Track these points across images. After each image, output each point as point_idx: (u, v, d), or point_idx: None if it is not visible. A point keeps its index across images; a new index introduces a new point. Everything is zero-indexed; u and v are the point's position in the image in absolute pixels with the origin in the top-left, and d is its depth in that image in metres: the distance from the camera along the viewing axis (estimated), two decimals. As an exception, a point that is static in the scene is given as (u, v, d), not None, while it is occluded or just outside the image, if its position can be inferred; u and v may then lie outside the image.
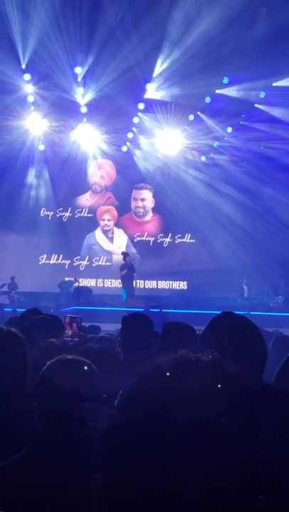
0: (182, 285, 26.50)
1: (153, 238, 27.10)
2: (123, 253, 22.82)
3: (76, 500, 1.84)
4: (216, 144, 24.99)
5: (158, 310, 17.62)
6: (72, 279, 24.16)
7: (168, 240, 27.04)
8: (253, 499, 1.04)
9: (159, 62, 20.87)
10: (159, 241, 27.10)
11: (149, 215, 27.31)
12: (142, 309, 16.08)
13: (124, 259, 22.03)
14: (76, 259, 26.61)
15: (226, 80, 21.50)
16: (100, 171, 26.70)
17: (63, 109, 22.92)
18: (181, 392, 1.05)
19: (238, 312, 2.95)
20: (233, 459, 1.02)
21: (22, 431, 2.56)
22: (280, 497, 1.51)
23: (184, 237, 26.92)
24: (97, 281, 26.16)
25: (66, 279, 24.47)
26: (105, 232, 27.09)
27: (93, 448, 1.62)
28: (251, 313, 16.20)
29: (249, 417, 1.07)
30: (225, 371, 1.11)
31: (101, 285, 26.00)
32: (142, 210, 27.23)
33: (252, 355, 2.54)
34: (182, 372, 1.09)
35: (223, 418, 1.03)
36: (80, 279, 24.70)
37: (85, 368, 2.52)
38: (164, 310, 18.13)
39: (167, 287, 26.45)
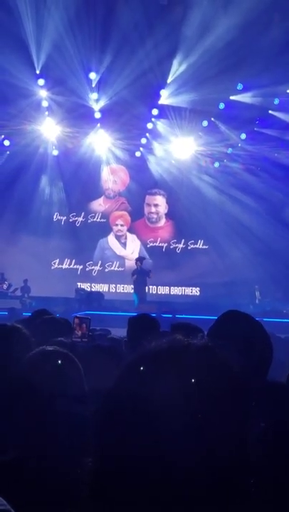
0: (195, 291, 26.46)
1: (166, 244, 27.09)
2: (138, 258, 22.83)
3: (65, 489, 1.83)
4: (229, 150, 24.97)
5: (170, 315, 17.59)
6: (88, 289, 24.26)
7: (181, 246, 27.01)
8: (244, 480, 1.03)
9: (173, 68, 20.90)
10: (172, 247, 27.08)
11: (163, 221, 27.31)
12: (153, 314, 16.06)
13: (136, 263, 22.05)
14: (89, 265, 26.63)
15: (240, 87, 21.48)
16: (113, 177, 26.74)
17: (77, 114, 22.97)
18: (171, 373, 1.05)
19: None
20: (223, 440, 1.01)
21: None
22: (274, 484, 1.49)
23: (196, 244, 26.89)
24: (109, 287, 26.16)
25: (82, 286, 24.55)
26: (118, 238, 27.11)
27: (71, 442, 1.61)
28: (264, 319, 16.15)
29: (238, 398, 1.07)
30: (214, 354, 1.11)
31: (113, 290, 26.00)
32: (155, 216, 27.23)
33: (255, 352, 2.52)
34: (173, 354, 1.09)
35: (212, 399, 1.03)
36: (93, 284, 24.73)
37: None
38: (176, 315, 18.12)
39: (180, 293, 26.42)
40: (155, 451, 1.00)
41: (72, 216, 26.71)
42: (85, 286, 25.07)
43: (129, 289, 23.89)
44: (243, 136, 23.67)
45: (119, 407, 1.07)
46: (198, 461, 0.99)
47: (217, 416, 1.03)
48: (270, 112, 22.35)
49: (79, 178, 25.80)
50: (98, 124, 23.76)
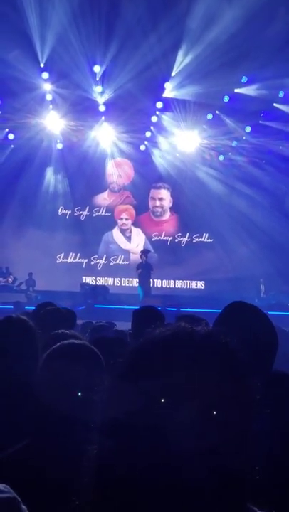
0: (200, 285, 26.46)
1: (171, 238, 27.10)
2: (143, 251, 22.84)
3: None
4: (234, 143, 24.94)
5: (175, 309, 17.61)
6: (93, 283, 24.28)
7: (186, 239, 27.01)
8: (249, 470, 1.02)
9: (177, 60, 20.85)
10: (176, 240, 27.08)
11: (167, 215, 27.30)
12: (158, 308, 16.07)
13: (141, 257, 22.08)
14: (93, 258, 26.66)
15: (244, 79, 21.44)
16: (117, 170, 26.73)
17: (81, 107, 22.95)
18: (175, 360, 1.04)
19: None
20: (226, 428, 1.00)
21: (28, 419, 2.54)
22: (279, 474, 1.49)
23: (201, 237, 26.88)
24: (114, 281, 26.17)
25: (87, 280, 24.59)
26: (123, 232, 27.12)
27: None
28: (269, 312, 16.13)
29: (243, 385, 1.06)
30: (218, 340, 1.10)
31: (118, 284, 26.02)
32: (159, 210, 27.23)
33: (261, 343, 2.51)
34: (177, 340, 1.08)
35: (216, 385, 1.02)
36: (98, 278, 24.75)
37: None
38: (181, 309, 18.13)
39: (185, 287, 26.43)
40: (160, 448, 0.99)
41: (77, 210, 26.73)
42: (90, 280, 25.13)
43: (134, 282, 23.91)
44: (248, 129, 23.62)
45: (120, 403, 1.06)
46: (204, 455, 0.99)
47: (222, 402, 1.02)
48: (274, 104, 22.31)
49: (83, 172, 25.80)
50: (102, 118, 23.75)
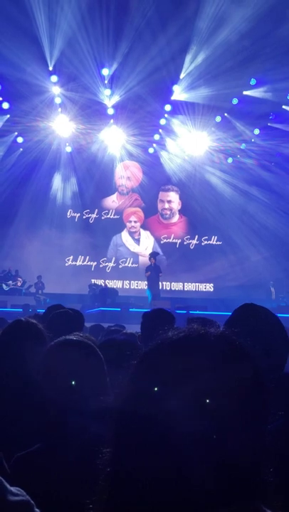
0: (208, 287, 26.44)
1: (179, 240, 27.10)
2: (152, 253, 22.84)
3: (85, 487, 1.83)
4: (243, 145, 24.90)
5: (184, 311, 17.60)
6: (102, 284, 24.27)
7: (194, 241, 27.01)
8: (261, 471, 1.02)
9: (186, 63, 20.86)
10: (185, 243, 27.08)
11: (176, 217, 27.32)
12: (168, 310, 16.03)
13: (149, 260, 22.07)
14: (102, 261, 26.70)
15: (253, 82, 21.41)
16: (126, 173, 26.78)
17: (90, 110, 23.03)
18: (188, 362, 1.05)
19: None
20: (240, 429, 1.00)
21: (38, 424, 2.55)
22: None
23: (210, 239, 26.87)
24: (123, 283, 26.21)
25: (96, 282, 24.61)
26: (132, 234, 27.15)
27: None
28: (279, 315, 16.08)
29: (256, 386, 1.06)
30: (231, 342, 1.10)
31: (127, 287, 26.05)
32: (168, 212, 27.25)
33: (272, 345, 2.51)
34: (190, 342, 1.08)
35: (230, 386, 1.02)
36: (107, 281, 24.75)
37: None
38: (190, 311, 18.11)
39: (193, 289, 26.42)
40: (172, 453, 1.00)
41: (86, 213, 26.79)
42: (99, 282, 25.09)
43: (143, 285, 23.90)
44: (257, 131, 23.60)
45: (136, 405, 1.06)
46: (216, 455, 0.99)
47: (237, 403, 1.02)
48: (283, 106, 22.28)
49: (92, 175, 25.86)
50: (111, 121, 23.79)
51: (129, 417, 1.07)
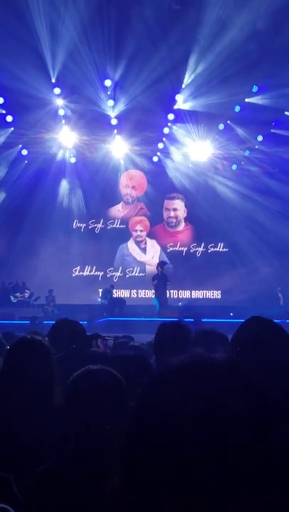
0: (216, 294, 26.41)
1: (186, 248, 27.08)
2: (159, 263, 22.83)
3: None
4: (247, 152, 24.92)
5: (192, 320, 17.58)
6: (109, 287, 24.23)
7: (201, 249, 27.00)
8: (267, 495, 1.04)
9: (187, 72, 20.89)
10: (192, 251, 27.07)
11: (182, 225, 27.31)
12: (175, 319, 16.01)
13: (156, 268, 22.07)
14: (109, 271, 26.68)
15: (255, 89, 21.43)
16: (131, 182, 26.79)
17: (94, 121, 23.08)
18: (192, 390, 1.06)
19: (274, 320, 2.92)
20: (247, 460, 1.02)
21: (49, 441, 2.57)
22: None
23: (217, 247, 26.86)
24: (130, 292, 26.18)
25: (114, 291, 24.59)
26: (138, 243, 27.13)
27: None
28: (287, 321, 16.04)
29: (262, 416, 1.07)
30: (237, 369, 1.11)
31: (135, 296, 26.01)
32: (174, 220, 27.25)
33: (279, 358, 2.52)
34: (195, 370, 1.09)
35: (235, 416, 1.03)
36: (114, 291, 24.69)
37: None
38: (200, 320, 18.08)
39: (201, 297, 26.38)
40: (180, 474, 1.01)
41: (92, 223, 26.80)
42: (115, 293, 24.90)
43: (150, 294, 23.83)
44: (260, 138, 23.64)
45: (144, 427, 1.08)
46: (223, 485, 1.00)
47: (242, 435, 1.03)
48: (286, 113, 22.29)
49: (97, 185, 25.89)
50: (115, 131, 23.83)
51: (135, 445, 1.09)
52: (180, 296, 25.90)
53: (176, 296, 25.39)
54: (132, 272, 26.83)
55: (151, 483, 1.02)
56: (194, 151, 24.78)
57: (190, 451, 1.01)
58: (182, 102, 22.20)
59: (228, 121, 23.17)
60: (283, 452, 1.25)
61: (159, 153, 25.72)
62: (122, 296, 24.71)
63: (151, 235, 27.21)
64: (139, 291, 26.13)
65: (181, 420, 1.03)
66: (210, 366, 1.10)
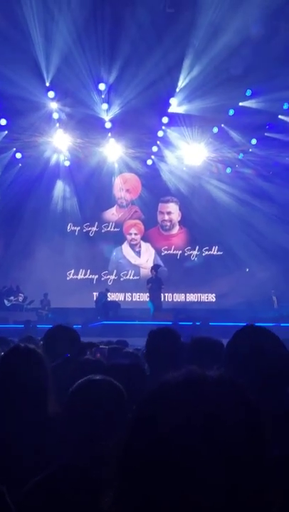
0: (211, 297, 26.41)
1: (180, 251, 27.09)
2: (154, 266, 22.82)
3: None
4: (241, 155, 24.96)
5: (189, 323, 17.63)
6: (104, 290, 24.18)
7: (195, 252, 27.01)
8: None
9: (182, 76, 20.89)
10: (186, 254, 27.08)
11: (176, 228, 27.32)
12: (170, 322, 16.03)
13: (151, 272, 22.06)
14: (104, 274, 26.65)
15: (249, 92, 21.48)
16: (125, 185, 26.80)
17: (88, 125, 23.06)
18: (187, 407, 1.05)
19: (267, 324, 2.94)
20: (241, 475, 1.02)
21: (44, 451, 2.56)
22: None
23: (211, 250, 26.87)
24: (125, 296, 26.17)
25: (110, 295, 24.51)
26: (132, 247, 27.13)
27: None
28: (281, 324, 16.08)
29: (256, 434, 1.07)
30: (231, 386, 1.11)
31: (129, 299, 25.99)
32: (168, 224, 27.26)
33: (273, 367, 2.52)
34: (189, 388, 1.09)
35: (227, 435, 1.03)
36: (109, 294, 24.67)
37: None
38: (191, 323, 18.12)
39: (196, 300, 26.38)
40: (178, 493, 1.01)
41: (86, 226, 26.77)
42: (110, 296, 24.88)
43: (144, 297, 23.79)
44: (254, 141, 23.68)
45: (141, 443, 1.08)
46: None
47: (236, 451, 1.03)
48: (279, 116, 22.36)
49: (91, 188, 25.89)
50: (109, 134, 23.83)
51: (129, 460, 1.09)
52: (174, 300, 25.90)
53: (170, 300, 25.39)
54: (127, 275, 26.82)
55: (149, 497, 1.02)
56: (188, 154, 24.79)
57: (185, 466, 1.01)
58: (176, 105, 22.21)
59: (222, 125, 23.19)
60: (279, 465, 1.25)
61: (153, 157, 25.73)
62: (117, 300, 24.68)
63: (145, 238, 27.21)
64: (134, 294, 26.11)
65: (178, 436, 1.03)
66: (204, 384, 1.10)
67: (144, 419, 1.10)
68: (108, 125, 22.94)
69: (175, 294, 26.04)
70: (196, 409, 1.05)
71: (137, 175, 26.68)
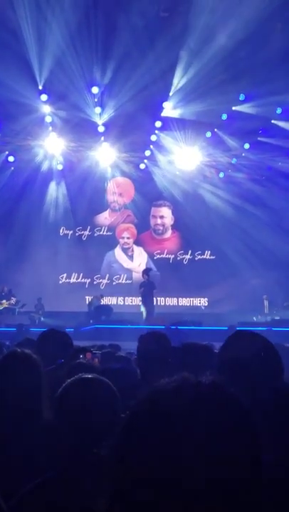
0: (203, 302, 26.44)
1: (173, 255, 27.12)
2: (145, 270, 22.82)
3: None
4: (234, 160, 25.02)
5: (182, 327, 17.59)
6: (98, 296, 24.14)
7: (188, 256, 27.05)
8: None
9: (175, 80, 20.92)
10: (179, 258, 27.11)
11: (169, 233, 27.35)
12: (162, 327, 16.04)
13: (143, 276, 22.05)
14: (96, 278, 26.66)
15: (242, 97, 21.51)
16: (118, 189, 26.83)
17: (81, 128, 23.06)
18: (180, 416, 1.04)
19: (259, 328, 2.94)
20: (234, 482, 1.01)
21: (39, 458, 2.54)
22: None
23: (203, 254, 26.91)
24: (117, 300, 26.17)
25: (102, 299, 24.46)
26: (125, 250, 27.14)
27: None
28: (272, 328, 16.09)
29: (248, 441, 1.06)
30: (223, 393, 1.10)
31: (122, 303, 26.00)
32: (161, 228, 27.28)
33: (264, 373, 2.51)
34: (181, 394, 1.08)
35: (222, 439, 1.02)
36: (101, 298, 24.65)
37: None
38: (184, 327, 18.09)
39: (188, 304, 26.41)
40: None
41: (79, 230, 26.78)
42: (102, 300, 24.87)
43: (137, 301, 23.78)
44: (247, 146, 23.71)
45: (133, 450, 1.06)
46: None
47: (230, 458, 1.02)
48: (272, 121, 22.39)
49: (84, 192, 25.89)
50: (102, 138, 23.83)
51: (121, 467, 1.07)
52: (167, 304, 25.92)
53: (162, 304, 25.40)
54: (119, 279, 26.82)
55: (142, 507, 1.01)
56: (181, 158, 24.82)
57: (178, 476, 1.00)
58: (170, 109, 22.22)
59: (216, 129, 23.22)
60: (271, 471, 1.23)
61: (146, 161, 25.76)
62: (109, 304, 24.66)
63: (138, 242, 27.23)
64: (126, 298, 26.13)
65: (170, 448, 1.02)
66: (197, 391, 1.09)
67: (135, 429, 1.09)
68: (101, 129, 22.93)
69: (167, 298, 26.06)
70: (188, 418, 1.04)
71: (130, 179, 26.72)
